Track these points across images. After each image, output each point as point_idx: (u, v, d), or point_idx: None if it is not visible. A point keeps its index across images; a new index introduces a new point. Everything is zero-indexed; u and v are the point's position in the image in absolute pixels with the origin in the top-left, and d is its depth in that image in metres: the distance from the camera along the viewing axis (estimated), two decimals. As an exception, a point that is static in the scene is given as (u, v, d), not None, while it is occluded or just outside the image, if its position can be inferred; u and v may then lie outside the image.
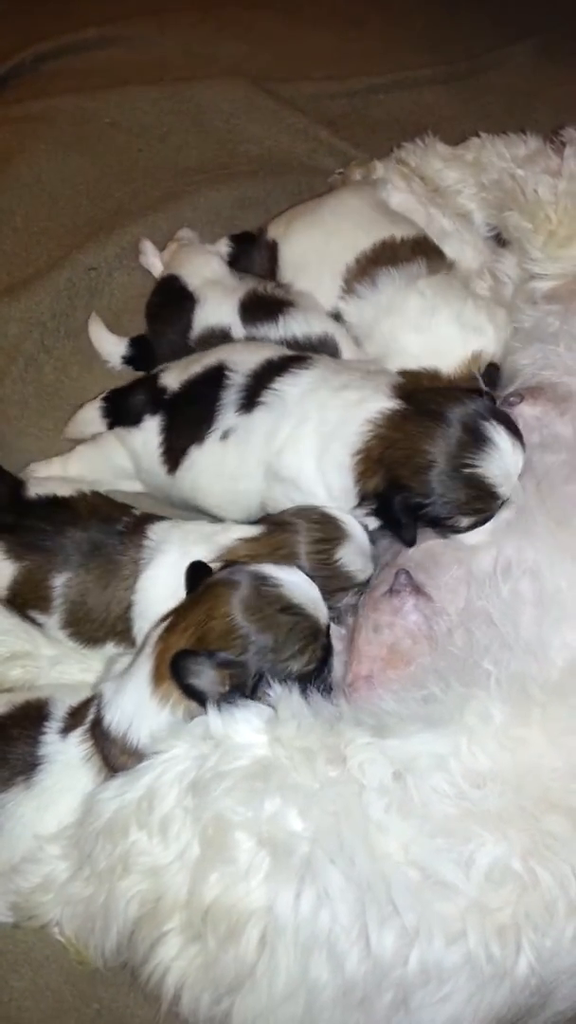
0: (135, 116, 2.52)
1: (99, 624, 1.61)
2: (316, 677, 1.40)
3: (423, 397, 1.58)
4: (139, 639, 1.56)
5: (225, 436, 1.68)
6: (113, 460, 1.83)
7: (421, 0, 3.15)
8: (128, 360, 2.03)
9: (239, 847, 1.24)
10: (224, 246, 2.11)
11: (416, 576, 1.56)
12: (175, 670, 1.32)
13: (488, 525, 1.55)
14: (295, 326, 1.85)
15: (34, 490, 1.68)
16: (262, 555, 1.52)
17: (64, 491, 1.68)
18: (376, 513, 1.60)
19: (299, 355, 1.75)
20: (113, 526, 1.62)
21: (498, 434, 1.50)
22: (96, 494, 1.71)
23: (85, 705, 1.48)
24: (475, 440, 1.50)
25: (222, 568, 1.47)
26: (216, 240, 2.15)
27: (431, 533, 1.60)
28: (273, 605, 1.37)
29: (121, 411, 1.85)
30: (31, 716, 1.48)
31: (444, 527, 1.56)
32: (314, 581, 1.44)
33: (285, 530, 1.57)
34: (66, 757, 1.44)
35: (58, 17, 2.85)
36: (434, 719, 1.30)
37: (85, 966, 1.43)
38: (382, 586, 1.57)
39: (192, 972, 1.26)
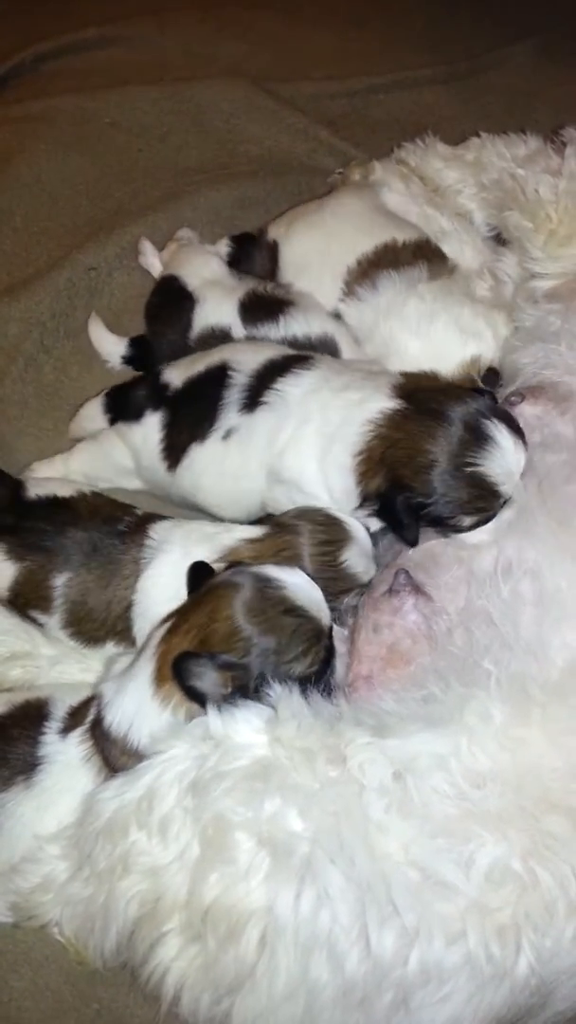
0: (135, 116, 2.52)
1: (100, 624, 1.61)
2: (318, 679, 1.40)
3: (424, 396, 1.58)
4: (139, 639, 1.56)
5: (227, 435, 1.68)
6: (113, 456, 1.83)
7: (421, 0, 3.15)
8: (128, 360, 2.04)
9: (239, 847, 1.24)
10: (224, 246, 2.11)
11: (416, 576, 1.56)
12: (177, 672, 1.32)
13: (490, 525, 1.54)
14: (295, 326, 1.86)
15: (34, 491, 1.68)
16: (266, 556, 1.52)
17: (64, 492, 1.68)
18: (378, 514, 1.59)
19: (302, 355, 1.75)
20: (114, 526, 1.62)
21: (500, 432, 1.50)
22: (97, 494, 1.71)
23: (85, 705, 1.48)
24: (477, 439, 1.50)
25: (226, 569, 1.46)
26: (216, 240, 2.16)
27: (432, 533, 1.60)
28: (276, 607, 1.36)
29: (123, 407, 1.85)
30: (31, 716, 1.48)
31: (446, 527, 1.55)
32: (318, 583, 1.43)
33: (289, 532, 1.57)
34: (66, 757, 1.44)
35: (58, 17, 2.85)
36: (434, 719, 1.30)
37: (85, 966, 1.43)
38: (382, 586, 1.57)
39: (192, 972, 1.26)
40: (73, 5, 2.96)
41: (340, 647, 1.53)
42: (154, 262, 2.16)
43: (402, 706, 1.34)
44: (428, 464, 1.51)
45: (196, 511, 1.80)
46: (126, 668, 1.46)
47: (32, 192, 2.32)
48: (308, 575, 1.44)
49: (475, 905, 1.20)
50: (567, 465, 1.54)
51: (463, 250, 2.03)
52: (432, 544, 1.59)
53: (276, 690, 1.32)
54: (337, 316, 1.92)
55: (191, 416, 1.73)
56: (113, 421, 1.87)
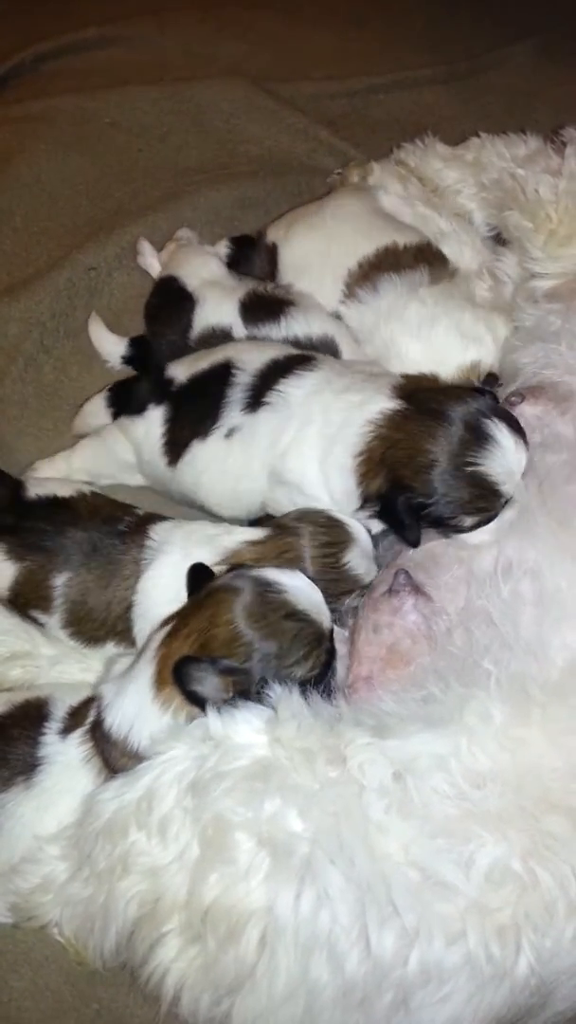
0: (135, 116, 2.52)
1: (100, 624, 1.61)
2: (319, 681, 1.40)
3: (424, 396, 1.58)
4: (140, 640, 1.56)
5: (230, 434, 1.68)
6: (116, 451, 1.83)
7: (421, 0, 3.15)
8: (128, 360, 2.03)
9: (239, 847, 1.23)
10: (224, 248, 2.11)
11: (416, 576, 1.55)
12: (178, 677, 1.32)
13: (492, 525, 1.54)
14: (296, 326, 1.86)
15: (34, 491, 1.68)
16: (267, 558, 1.52)
17: (64, 491, 1.68)
18: (379, 515, 1.59)
19: (305, 355, 1.75)
20: (115, 526, 1.62)
21: (500, 431, 1.49)
22: (96, 494, 1.71)
23: (85, 705, 1.48)
24: (477, 438, 1.49)
25: (227, 571, 1.46)
26: (216, 240, 2.16)
27: (434, 534, 1.59)
28: (277, 612, 1.36)
29: (126, 401, 1.85)
30: (31, 716, 1.48)
31: (448, 527, 1.55)
32: (319, 585, 1.43)
33: (290, 534, 1.57)
34: (66, 758, 1.44)
35: (58, 17, 2.85)
36: (434, 719, 1.30)
37: (84, 966, 1.43)
38: (381, 586, 1.57)
39: (192, 973, 1.26)
40: (73, 5, 2.96)
41: (340, 648, 1.53)
42: (153, 262, 2.16)
43: (402, 706, 1.34)
44: (428, 464, 1.51)
45: (196, 509, 1.80)
46: (126, 670, 1.45)
47: (32, 192, 2.32)
48: (310, 577, 1.44)
49: (475, 905, 1.20)
50: (567, 465, 1.54)
51: (462, 251, 2.03)
52: (432, 544, 1.59)
53: (276, 691, 1.32)
54: (337, 317, 1.92)
55: (194, 412, 1.73)
56: (116, 416, 1.87)
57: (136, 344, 2.03)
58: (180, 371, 1.79)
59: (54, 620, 1.63)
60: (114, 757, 1.40)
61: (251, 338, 1.87)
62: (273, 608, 1.36)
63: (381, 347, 1.86)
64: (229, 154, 2.51)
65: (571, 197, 1.86)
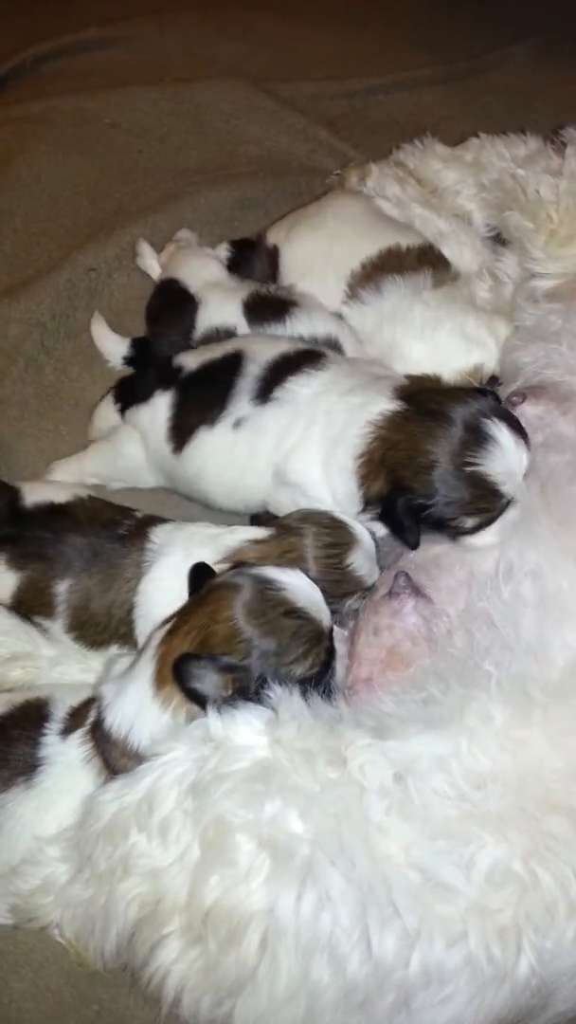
0: (135, 117, 2.52)
1: (102, 628, 1.61)
2: (319, 680, 1.40)
3: (424, 397, 1.58)
4: (142, 642, 1.56)
5: (238, 424, 1.68)
6: (125, 451, 1.83)
7: (421, 0, 3.15)
8: (129, 360, 2.04)
9: (239, 849, 1.23)
10: (224, 251, 2.11)
11: (416, 578, 1.55)
12: (178, 674, 1.32)
13: (495, 527, 1.53)
14: (300, 326, 1.85)
15: (30, 498, 1.67)
16: (270, 558, 1.52)
17: (61, 497, 1.67)
18: (380, 517, 1.59)
19: (315, 351, 1.74)
20: (114, 530, 1.62)
21: (500, 431, 1.49)
22: (94, 498, 1.70)
23: (85, 706, 1.48)
24: (476, 438, 1.49)
25: (229, 569, 1.46)
26: (216, 241, 2.16)
27: (437, 537, 1.58)
28: (276, 609, 1.36)
29: (132, 394, 1.85)
30: (31, 717, 1.48)
31: (449, 529, 1.54)
32: (322, 585, 1.43)
33: (294, 534, 1.57)
34: (66, 758, 1.44)
35: (58, 17, 2.86)
36: (434, 721, 1.30)
37: (85, 968, 1.43)
38: (382, 588, 1.57)
39: (193, 974, 1.26)
40: (73, 5, 2.97)
41: (340, 648, 1.53)
42: (152, 264, 2.16)
43: (402, 708, 1.34)
44: (428, 464, 1.51)
45: (196, 502, 1.80)
46: (126, 670, 1.45)
47: (32, 193, 2.32)
48: (312, 577, 1.44)
49: (476, 906, 1.20)
50: (570, 466, 1.54)
51: (462, 251, 2.03)
52: (433, 546, 1.59)
53: (276, 692, 1.32)
54: (339, 318, 1.92)
55: (202, 399, 1.72)
56: (123, 410, 1.86)
57: (138, 345, 2.04)
58: (190, 359, 1.79)
59: (57, 626, 1.63)
60: (114, 757, 1.40)
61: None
62: (272, 605, 1.36)
63: (384, 348, 1.86)
64: (229, 155, 2.51)
65: (571, 197, 1.86)
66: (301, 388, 1.66)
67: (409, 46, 2.93)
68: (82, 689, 1.54)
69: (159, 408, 1.76)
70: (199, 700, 1.33)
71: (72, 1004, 1.46)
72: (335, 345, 1.85)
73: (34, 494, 1.68)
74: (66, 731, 1.46)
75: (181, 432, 1.74)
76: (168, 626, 1.42)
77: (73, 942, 1.40)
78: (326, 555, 1.55)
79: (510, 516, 1.53)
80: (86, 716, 1.45)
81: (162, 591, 1.55)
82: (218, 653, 1.34)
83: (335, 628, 1.49)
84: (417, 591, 1.53)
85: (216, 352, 1.77)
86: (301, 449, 1.64)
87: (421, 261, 1.92)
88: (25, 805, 1.42)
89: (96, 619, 1.61)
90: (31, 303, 2.11)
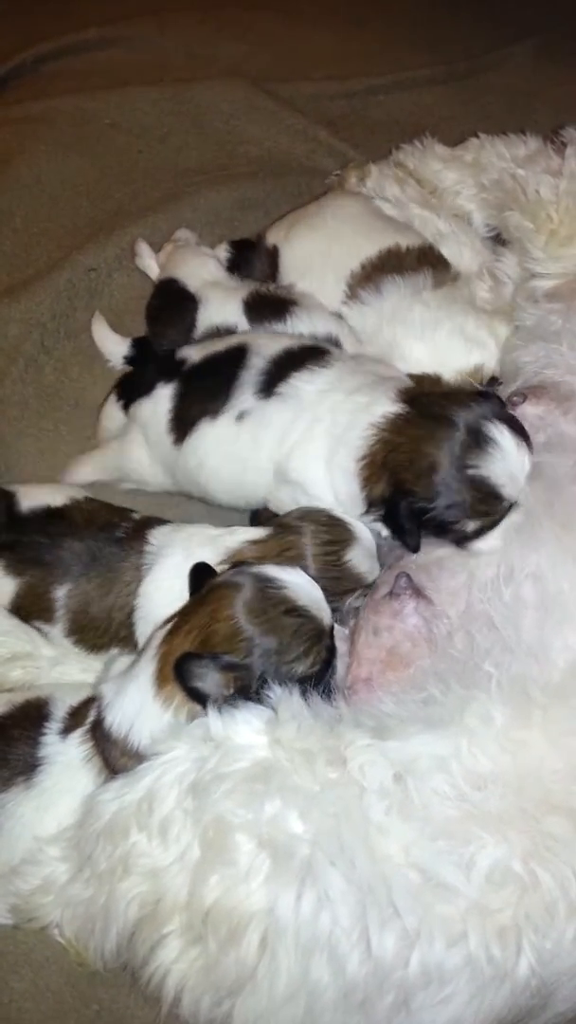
0: (135, 117, 2.52)
1: (102, 631, 1.61)
2: (320, 679, 1.40)
3: (426, 400, 1.58)
4: (142, 644, 1.56)
5: (241, 417, 1.68)
6: (132, 455, 1.83)
7: (421, 0, 3.15)
8: (130, 360, 2.03)
9: (239, 849, 1.23)
10: (224, 252, 2.11)
11: (418, 579, 1.55)
12: (179, 673, 1.32)
13: (498, 531, 1.52)
14: (301, 325, 1.85)
15: (26, 503, 1.66)
16: (269, 556, 1.52)
17: (57, 501, 1.66)
18: (383, 519, 1.58)
19: (319, 348, 1.74)
20: (112, 533, 1.61)
21: (502, 435, 1.49)
22: (91, 499, 1.70)
23: (85, 705, 1.48)
24: (478, 442, 1.48)
25: (229, 569, 1.46)
26: (216, 241, 2.16)
27: (440, 542, 1.58)
28: (277, 607, 1.36)
29: (134, 388, 1.84)
30: (31, 716, 1.48)
31: (451, 532, 1.53)
32: (321, 583, 1.43)
33: (292, 532, 1.57)
34: (66, 758, 1.44)
35: (58, 17, 2.86)
36: (434, 721, 1.30)
37: (85, 968, 1.43)
38: (383, 588, 1.57)
39: (193, 974, 1.26)
40: (73, 5, 2.97)
41: (340, 646, 1.53)
42: (151, 264, 2.16)
43: (402, 708, 1.34)
44: (430, 468, 1.50)
45: (196, 499, 1.80)
46: (126, 669, 1.46)
47: (32, 193, 2.32)
48: (312, 575, 1.44)
49: (476, 907, 1.20)
50: (572, 466, 1.54)
51: (461, 252, 2.03)
52: (435, 547, 1.58)
53: (276, 692, 1.32)
54: (339, 317, 1.92)
55: (205, 390, 1.72)
56: (127, 406, 1.86)
57: (138, 344, 2.04)
58: (193, 352, 1.79)
59: (56, 630, 1.63)
60: (114, 756, 1.40)
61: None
62: (273, 604, 1.36)
63: (384, 348, 1.86)
64: (229, 155, 2.51)
65: (572, 197, 1.86)
66: (305, 385, 1.66)
67: (409, 46, 2.93)
68: (82, 689, 1.54)
69: (161, 400, 1.75)
70: (200, 699, 1.33)
71: (72, 1004, 1.46)
72: (335, 345, 1.85)
73: (29, 498, 1.67)
74: (66, 730, 1.46)
75: (183, 424, 1.73)
76: (169, 626, 1.42)
77: (73, 942, 1.40)
78: (324, 552, 1.55)
79: (513, 520, 1.52)
80: (86, 716, 1.45)
81: (162, 592, 1.55)
82: (219, 652, 1.34)
83: (336, 626, 1.49)
84: (418, 592, 1.53)
85: (220, 345, 1.77)
86: (304, 447, 1.63)
87: (421, 261, 1.92)
88: (25, 805, 1.42)
89: (96, 623, 1.60)
90: (31, 303, 2.11)
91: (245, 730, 1.30)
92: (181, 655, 1.33)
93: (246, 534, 1.59)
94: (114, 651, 1.62)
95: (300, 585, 1.40)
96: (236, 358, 1.72)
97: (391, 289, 1.88)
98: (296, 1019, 1.23)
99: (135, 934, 1.29)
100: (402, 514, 1.53)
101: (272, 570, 1.41)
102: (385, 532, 1.61)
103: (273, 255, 2.02)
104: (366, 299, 1.90)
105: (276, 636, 1.35)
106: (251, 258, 2.08)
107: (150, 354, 2.00)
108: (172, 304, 1.97)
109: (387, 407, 1.58)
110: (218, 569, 1.49)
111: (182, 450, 1.74)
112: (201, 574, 1.46)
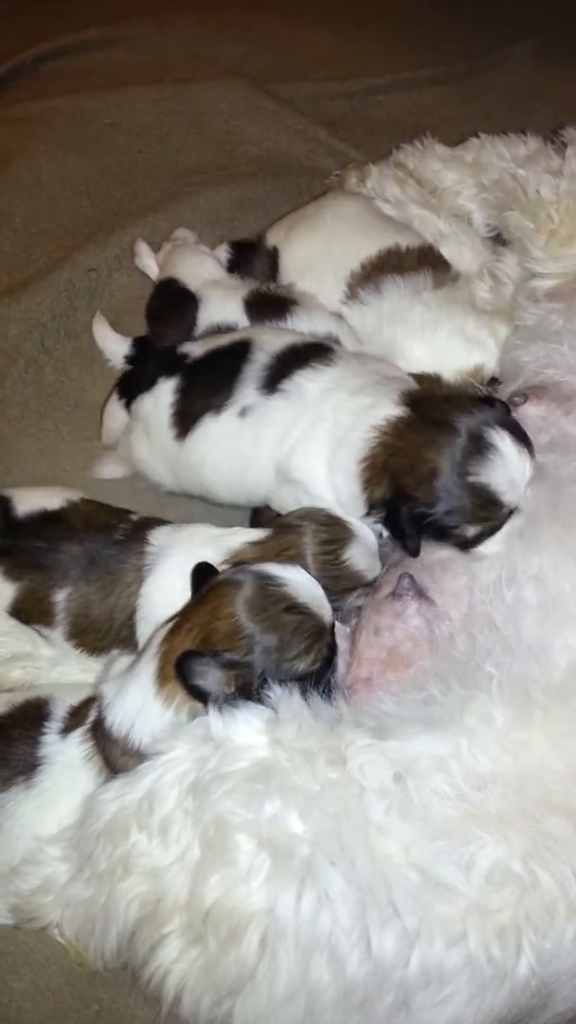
0: (135, 117, 2.52)
1: (103, 633, 1.60)
2: (321, 676, 1.40)
3: (429, 405, 1.57)
4: (143, 644, 1.56)
5: (243, 413, 1.67)
6: (134, 446, 1.82)
7: (421, 0, 3.15)
8: (131, 360, 2.03)
9: (239, 849, 1.23)
10: (224, 253, 2.11)
11: (420, 580, 1.55)
12: (180, 671, 1.32)
13: (500, 535, 1.52)
14: (301, 324, 1.85)
15: (21, 508, 1.65)
16: (268, 557, 1.52)
17: (53, 504, 1.65)
18: (384, 522, 1.58)
19: (323, 345, 1.74)
20: (110, 535, 1.61)
21: (503, 442, 1.48)
22: (88, 501, 1.68)
23: (86, 705, 1.48)
24: (479, 448, 1.48)
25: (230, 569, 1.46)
26: (216, 241, 2.16)
27: (441, 545, 1.57)
28: (278, 604, 1.36)
29: (136, 385, 1.84)
30: (31, 716, 1.48)
31: (451, 537, 1.53)
32: (321, 582, 1.43)
33: (291, 532, 1.56)
34: (66, 757, 1.44)
35: (58, 18, 2.86)
36: (434, 721, 1.30)
37: (85, 967, 1.43)
38: (385, 588, 1.57)
39: (193, 974, 1.26)
40: (73, 5, 2.97)
41: (342, 644, 1.53)
42: (150, 264, 2.16)
43: (402, 708, 1.34)
44: (430, 474, 1.49)
45: (196, 497, 1.80)
46: (127, 668, 1.46)
47: (32, 193, 2.32)
48: (312, 575, 1.44)
49: (476, 907, 1.20)
50: (574, 467, 1.54)
51: (461, 252, 2.03)
52: (437, 548, 1.58)
53: (276, 692, 1.32)
54: (339, 317, 1.92)
55: (208, 384, 1.71)
56: (128, 404, 1.86)
57: (139, 344, 2.04)
58: (195, 347, 1.79)
59: (57, 633, 1.63)
60: (115, 756, 1.40)
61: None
62: (273, 601, 1.36)
63: (384, 348, 1.85)
64: (228, 155, 2.51)
65: (572, 197, 1.86)
66: (308, 383, 1.65)
67: (409, 46, 2.93)
68: (82, 689, 1.54)
69: (162, 394, 1.74)
70: (202, 697, 1.33)
71: (72, 1004, 1.46)
72: (336, 344, 1.85)
73: (25, 503, 1.66)
74: (66, 730, 1.46)
75: (185, 419, 1.72)
76: (170, 625, 1.42)
77: (73, 942, 1.40)
78: (323, 551, 1.54)
79: (515, 524, 1.52)
80: (86, 715, 1.45)
81: (164, 592, 1.54)
82: (220, 650, 1.34)
83: (338, 624, 1.49)
84: (421, 593, 1.53)
85: (223, 340, 1.77)
86: (306, 445, 1.63)
87: (421, 262, 1.92)
88: (25, 805, 1.42)
89: (97, 625, 1.60)
90: (31, 303, 2.11)
91: (245, 730, 1.29)
92: (182, 653, 1.33)
93: (247, 535, 1.59)
94: (115, 652, 1.62)
95: (300, 583, 1.40)
96: (240, 352, 1.71)
97: (391, 289, 1.88)
98: (296, 1019, 1.23)
99: (135, 934, 1.29)
100: (402, 518, 1.52)
101: (272, 568, 1.41)
102: (386, 533, 1.61)
103: (273, 256, 2.02)
104: (366, 299, 1.89)
105: (277, 633, 1.35)
106: (251, 259, 2.08)
107: (151, 353, 2.00)
108: (172, 304, 1.97)
109: (390, 410, 1.57)
110: (220, 569, 1.49)
111: (184, 445, 1.73)
112: (203, 573, 1.46)
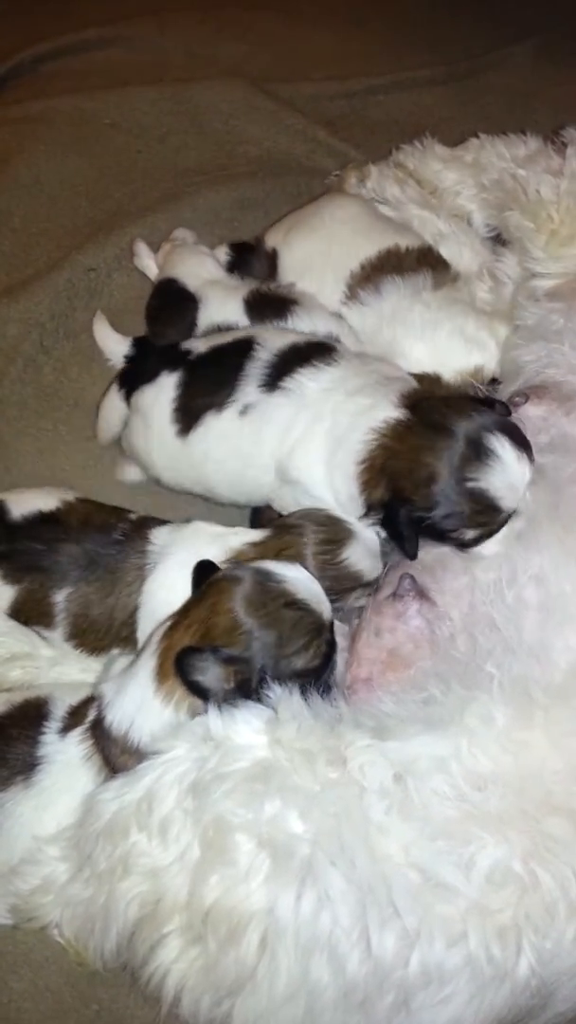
0: (134, 117, 2.52)
1: (103, 633, 1.60)
2: (320, 674, 1.40)
3: (428, 407, 1.56)
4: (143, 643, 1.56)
5: (245, 411, 1.67)
6: (133, 440, 1.82)
7: (421, 0, 3.15)
8: (131, 359, 2.03)
9: (239, 849, 1.23)
10: (223, 254, 2.11)
11: (421, 580, 1.55)
12: (180, 667, 1.32)
13: (499, 536, 1.52)
14: (301, 324, 1.85)
15: (17, 511, 1.63)
16: (268, 556, 1.52)
17: (48, 504, 1.64)
18: (382, 524, 1.58)
19: (326, 344, 1.73)
20: (109, 534, 1.60)
21: (502, 447, 1.47)
22: (84, 500, 1.68)
23: (85, 704, 1.48)
24: (477, 453, 1.47)
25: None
26: (215, 241, 2.16)
27: (440, 546, 1.58)
28: (277, 600, 1.37)
29: (136, 377, 1.83)
30: (30, 716, 1.48)
31: (450, 540, 1.53)
32: (322, 582, 1.43)
33: (291, 532, 1.57)
34: (65, 757, 1.43)
35: (58, 17, 2.85)
36: (434, 721, 1.30)
37: (85, 967, 1.43)
38: (386, 588, 1.57)
39: (192, 974, 1.26)
40: (73, 5, 2.96)
41: (341, 642, 1.52)
42: (149, 264, 2.16)
43: (402, 708, 1.34)
44: (429, 478, 1.49)
45: (196, 495, 1.80)
46: (126, 667, 1.46)
47: (31, 193, 2.32)
48: (311, 574, 1.44)
49: (476, 907, 1.20)
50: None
51: (461, 252, 2.03)
52: (438, 549, 1.58)
53: (276, 692, 1.32)
54: (339, 318, 1.92)
55: (211, 380, 1.71)
56: (128, 395, 1.85)
57: (139, 344, 2.03)
58: (199, 344, 1.78)
59: (57, 634, 1.62)
60: (114, 755, 1.40)
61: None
62: (273, 597, 1.37)
63: (384, 348, 1.85)
64: (228, 155, 2.51)
65: (572, 197, 1.86)
66: (309, 382, 1.65)
67: (409, 46, 2.93)
68: (81, 689, 1.54)
69: (164, 388, 1.74)
70: (201, 693, 1.33)
71: (72, 1004, 1.46)
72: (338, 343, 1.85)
73: (20, 505, 1.64)
74: (65, 729, 1.46)
75: (187, 414, 1.72)
76: (169, 622, 1.42)
77: (73, 942, 1.40)
78: (322, 551, 1.55)
79: (515, 526, 1.52)
80: (85, 715, 1.45)
81: (167, 589, 1.54)
82: (219, 645, 1.34)
83: (338, 623, 1.49)
84: (422, 594, 1.53)
85: (227, 337, 1.77)
86: (305, 445, 1.62)
87: (420, 262, 1.92)
88: (24, 804, 1.42)
89: (97, 625, 1.59)
90: (30, 303, 2.11)
91: (245, 730, 1.30)
92: (182, 649, 1.33)
93: (247, 535, 1.59)
94: (114, 651, 1.61)
95: (299, 579, 1.40)
96: (242, 349, 1.71)
97: (391, 290, 1.88)
98: (296, 1019, 1.23)
99: (135, 934, 1.29)
100: (400, 521, 1.52)
101: (271, 565, 1.41)
102: (384, 534, 1.61)
103: (272, 258, 2.02)
104: (366, 300, 1.89)
105: (276, 629, 1.35)
106: (250, 261, 2.08)
107: (151, 352, 1.99)
108: (172, 304, 1.97)
109: (389, 412, 1.57)
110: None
111: (186, 441, 1.73)
112: (204, 571, 1.46)
